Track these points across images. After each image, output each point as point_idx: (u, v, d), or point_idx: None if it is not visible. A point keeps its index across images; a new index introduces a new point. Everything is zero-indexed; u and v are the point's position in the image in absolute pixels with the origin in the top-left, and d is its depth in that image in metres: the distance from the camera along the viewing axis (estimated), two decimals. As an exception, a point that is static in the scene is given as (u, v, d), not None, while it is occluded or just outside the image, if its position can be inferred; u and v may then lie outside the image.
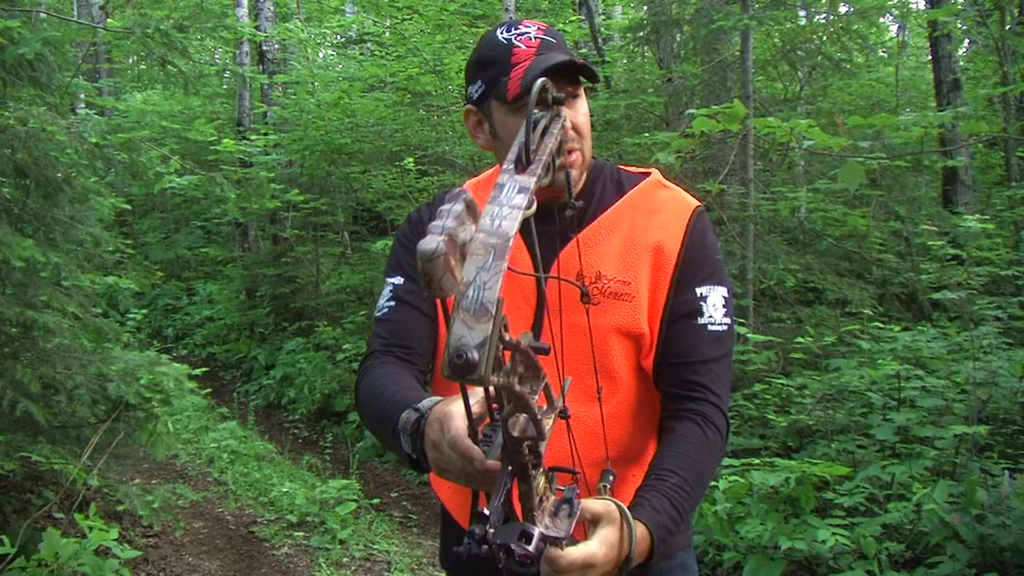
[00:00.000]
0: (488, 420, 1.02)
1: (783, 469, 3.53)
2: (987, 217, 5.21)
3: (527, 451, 0.93)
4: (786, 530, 3.35)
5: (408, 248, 1.48)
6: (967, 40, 10.41)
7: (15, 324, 3.35)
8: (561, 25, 8.34)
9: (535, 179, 0.86)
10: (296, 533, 4.71)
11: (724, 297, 1.38)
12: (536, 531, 0.96)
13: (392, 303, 1.44)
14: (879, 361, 4.21)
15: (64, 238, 3.62)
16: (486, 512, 0.93)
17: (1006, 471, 3.58)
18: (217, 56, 16.78)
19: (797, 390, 4.70)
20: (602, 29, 8.71)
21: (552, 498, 1.02)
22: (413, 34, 8.23)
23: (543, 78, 0.96)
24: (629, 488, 1.27)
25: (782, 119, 4.50)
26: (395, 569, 4.33)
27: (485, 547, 0.92)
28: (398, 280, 1.46)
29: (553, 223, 1.28)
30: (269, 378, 8.43)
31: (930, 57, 8.27)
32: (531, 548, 0.94)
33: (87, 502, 3.77)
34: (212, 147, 8.38)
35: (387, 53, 9.09)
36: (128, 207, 9.38)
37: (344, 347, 7.62)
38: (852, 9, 7.28)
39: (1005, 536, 3.14)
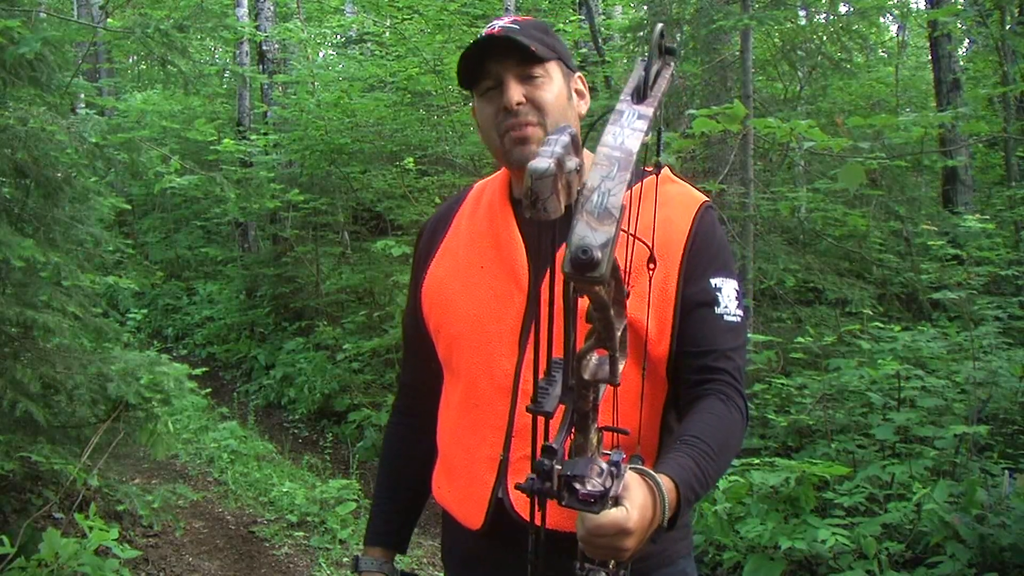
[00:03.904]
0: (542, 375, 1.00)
1: (783, 469, 3.52)
2: (987, 217, 5.21)
3: (592, 397, 0.93)
4: (786, 530, 3.34)
5: (417, 262, 1.59)
6: (967, 40, 10.42)
7: (15, 324, 3.35)
8: (561, 25, 8.34)
9: (652, 109, 0.89)
10: (296, 533, 4.71)
11: (736, 290, 1.40)
12: (604, 466, 0.94)
13: (404, 349, 1.68)
14: (879, 361, 4.20)
15: (64, 238, 3.61)
16: (553, 446, 0.91)
17: (1006, 471, 3.58)
18: (217, 56, 16.79)
19: (797, 390, 4.69)
20: (602, 29, 8.71)
21: (599, 460, 1.02)
22: (413, 34, 8.23)
23: (661, 24, 0.96)
24: None
25: (782, 119, 4.49)
26: (395, 569, 4.33)
27: (548, 484, 0.91)
28: (407, 315, 1.61)
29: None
30: (269, 378, 8.43)
31: (930, 57, 8.27)
32: (599, 481, 0.92)
33: (87, 502, 3.77)
34: (212, 147, 8.37)
35: (387, 53, 9.08)
36: (128, 207, 9.35)
37: (344, 347, 7.61)
38: (852, 9, 7.28)
39: (1005, 536, 3.13)
